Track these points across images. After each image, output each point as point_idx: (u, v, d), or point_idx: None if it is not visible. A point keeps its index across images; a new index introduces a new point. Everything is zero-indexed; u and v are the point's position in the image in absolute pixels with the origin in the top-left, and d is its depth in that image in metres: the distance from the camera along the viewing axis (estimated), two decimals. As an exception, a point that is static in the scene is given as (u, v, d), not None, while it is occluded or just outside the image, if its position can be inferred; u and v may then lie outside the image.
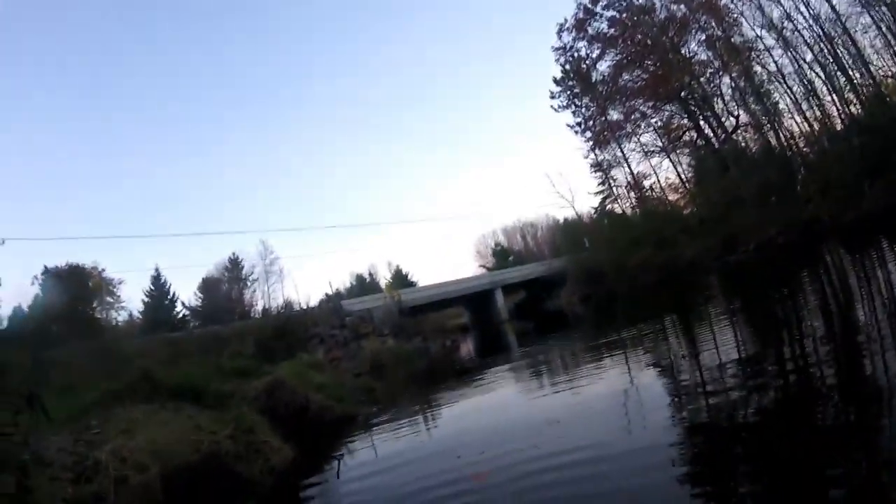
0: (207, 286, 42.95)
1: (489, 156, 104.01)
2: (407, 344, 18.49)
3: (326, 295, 41.38)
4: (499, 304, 38.76)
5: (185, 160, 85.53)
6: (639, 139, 35.94)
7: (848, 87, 27.13)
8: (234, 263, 44.57)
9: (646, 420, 5.37)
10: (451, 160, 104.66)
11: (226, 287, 43.45)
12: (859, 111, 26.50)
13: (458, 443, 6.20)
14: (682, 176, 34.87)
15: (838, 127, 27.40)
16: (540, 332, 24.60)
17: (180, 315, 40.44)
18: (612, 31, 36.09)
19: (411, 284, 51.98)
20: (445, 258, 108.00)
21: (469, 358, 21.14)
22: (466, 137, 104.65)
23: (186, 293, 61.25)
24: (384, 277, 60.70)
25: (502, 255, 60.33)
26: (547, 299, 40.49)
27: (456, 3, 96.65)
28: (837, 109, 27.64)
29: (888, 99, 25.50)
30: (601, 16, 36.27)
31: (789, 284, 13.78)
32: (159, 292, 41.00)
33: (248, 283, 43.32)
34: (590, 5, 36.03)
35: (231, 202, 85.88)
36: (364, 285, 58.28)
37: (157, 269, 41.01)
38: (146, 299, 40.81)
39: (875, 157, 21.44)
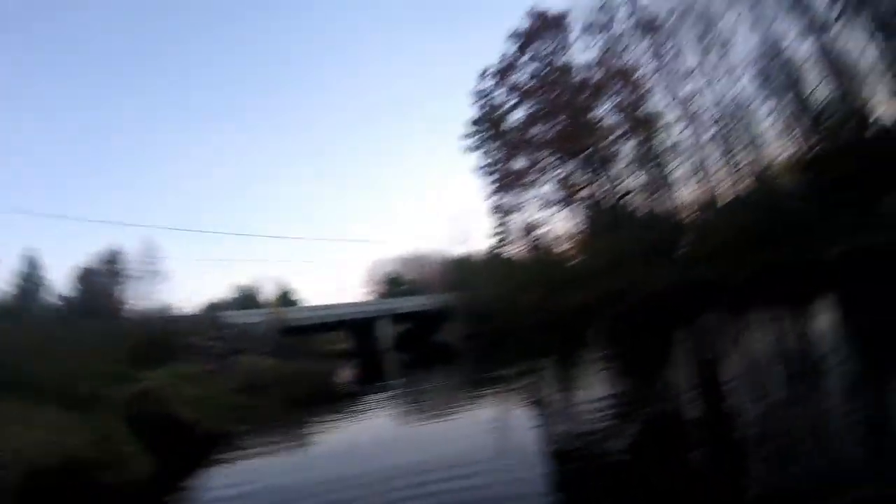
0: (83, 277, 39.94)
1: (394, 186, 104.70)
2: (286, 364, 18.30)
3: (209, 304, 39.73)
4: (384, 332, 39.07)
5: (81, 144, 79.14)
6: (539, 189, 38.24)
7: (741, 165, 30.55)
8: (113, 257, 41.81)
9: (516, 450, 5.90)
10: (357, 183, 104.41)
11: (103, 281, 40.52)
12: (748, 187, 29.92)
13: (326, 472, 6.44)
14: (576, 228, 37.43)
15: (728, 199, 30.64)
16: (423, 364, 25.23)
17: (52, 305, 37.23)
18: (531, 84, 38.49)
19: (295, 304, 51.11)
20: (337, 281, 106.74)
21: (349, 384, 21.30)
22: (373, 161, 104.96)
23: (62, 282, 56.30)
24: (270, 293, 59.14)
25: (394, 284, 60.75)
26: (433, 333, 41.37)
27: (382, 26, 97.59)
28: (729, 183, 30.99)
29: (774, 179, 29.16)
30: (523, 69, 38.70)
31: (665, 337, 15.35)
32: (30, 276, 37.84)
33: (127, 280, 40.67)
34: (514, 59, 38.38)
35: (118, 192, 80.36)
36: (247, 298, 56.48)
37: (29, 251, 38.36)
38: (18, 282, 37.36)
39: (757, 229, 24.34)
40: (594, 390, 8.99)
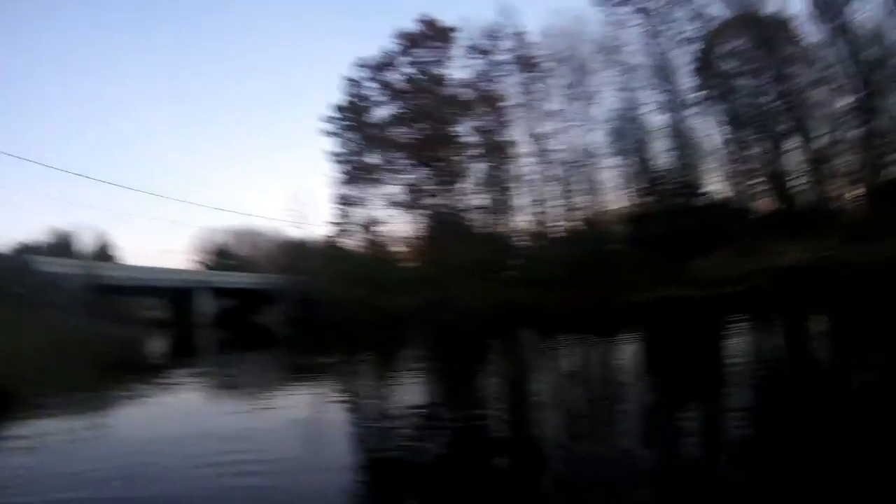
0: None
1: (245, 154, 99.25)
2: (96, 326, 17.72)
3: (19, 245, 35.87)
4: (205, 306, 37.98)
5: None
6: (387, 188, 39.56)
7: (577, 206, 33.73)
8: None
9: (320, 444, 6.23)
10: (210, 144, 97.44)
11: None
12: (580, 227, 32.87)
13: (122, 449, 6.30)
14: (415, 233, 39.31)
15: (560, 233, 33.62)
16: (243, 344, 25.08)
17: None
18: (403, 85, 39.78)
19: (112, 260, 47.66)
20: (163, 244, 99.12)
21: (161, 356, 20.90)
22: (231, 123, 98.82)
23: None
24: (88, 244, 54.29)
25: (223, 257, 58.38)
26: (257, 313, 40.89)
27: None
28: (563, 220, 34.21)
29: (604, 225, 32.39)
30: (400, 69, 39.86)
31: (482, 349, 16.72)
32: None
33: None
34: (394, 58, 39.38)
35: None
36: (62, 246, 51.32)
37: None
38: None
39: (580, 266, 26.85)
40: (406, 393, 9.71)
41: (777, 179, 28.23)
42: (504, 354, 16.29)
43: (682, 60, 30.72)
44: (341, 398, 9.99)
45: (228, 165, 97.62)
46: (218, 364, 17.84)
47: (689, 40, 30.42)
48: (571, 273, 26.81)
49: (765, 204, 28.59)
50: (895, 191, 23.15)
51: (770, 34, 27.96)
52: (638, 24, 31.75)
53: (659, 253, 25.75)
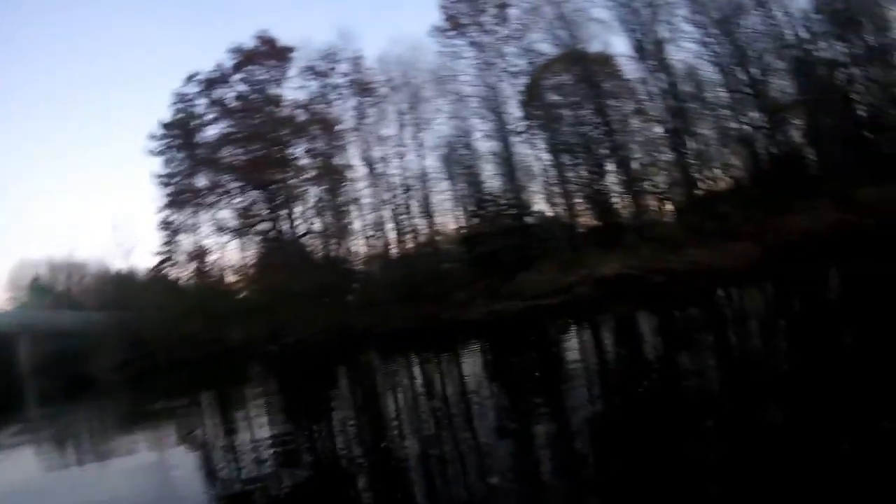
0: None
1: (67, 173, 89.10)
2: None
3: None
4: (21, 352, 33.74)
5: None
6: (216, 213, 37.65)
7: (413, 228, 34.76)
8: None
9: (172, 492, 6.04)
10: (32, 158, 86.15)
11: None
12: (416, 248, 34.17)
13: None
14: (248, 260, 37.78)
15: (397, 255, 34.25)
16: (71, 392, 22.90)
17: None
18: (236, 103, 38.28)
19: None
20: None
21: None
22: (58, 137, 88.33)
23: None
24: None
25: (40, 293, 52.35)
26: (84, 356, 36.91)
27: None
28: (399, 242, 34.92)
29: (438, 245, 34.04)
30: (233, 86, 38.35)
31: (328, 376, 16.42)
32: None
33: None
34: (227, 74, 37.81)
35: None
36: None
37: None
38: None
39: (417, 285, 28.09)
40: (254, 429, 9.57)
41: (598, 198, 31.25)
42: (348, 379, 16.38)
43: (512, 91, 33.22)
44: (189, 443, 9.63)
45: (47, 189, 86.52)
46: (45, 418, 16.00)
47: (519, 73, 33.04)
48: (409, 293, 27.61)
49: (586, 221, 31.61)
50: (701, 206, 26.71)
51: (593, 70, 31.13)
52: (471, 56, 33.87)
53: (490, 270, 27.32)
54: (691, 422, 5.93)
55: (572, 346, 14.73)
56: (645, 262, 23.07)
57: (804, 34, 28.30)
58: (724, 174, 29.53)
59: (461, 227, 34.16)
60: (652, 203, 30.71)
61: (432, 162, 35.15)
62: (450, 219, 34.91)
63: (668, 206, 30.19)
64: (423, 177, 34.96)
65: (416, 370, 15.64)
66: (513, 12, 33.24)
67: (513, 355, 14.54)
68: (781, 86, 28.30)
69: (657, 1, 29.72)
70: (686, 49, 29.62)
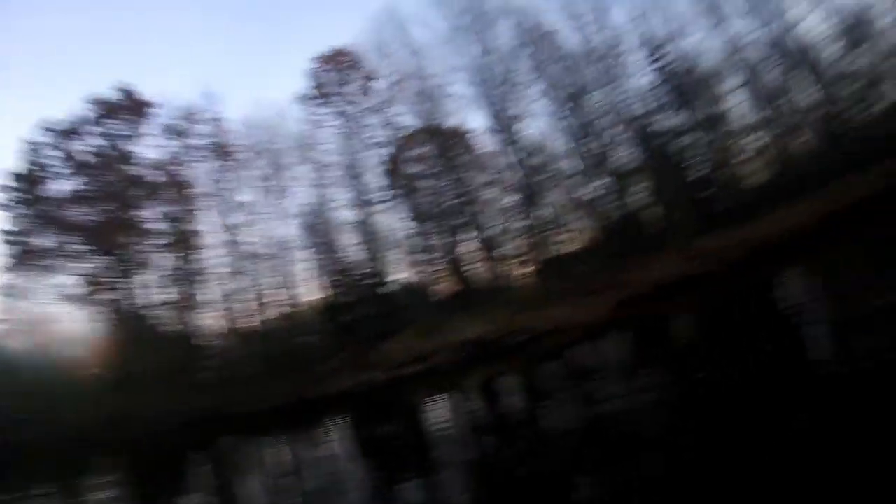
0: None
1: None
2: None
3: None
4: None
5: None
6: (59, 277, 35.14)
7: (270, 299, 34.06)
8: None
9: None
10: None
11: None
12: (273, 320, 33.51)
13: None
14: (93, 332, 35.48)
15: (253, 329, 33.22)
16: None
17: None
18: (89, 159, 36.32)
19: None
20: None
21: None
22: None
23: None
24: None
25: None
26: None
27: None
28: (256, 314, 34.12)
29: (297, 317, 33.49)
30: (86, 138, 36.32)
31: (182, 463, 15.73)
32: None
33: None
34: (83, 125, 35.84)
35: None
36: None
37: None
38: None
39: (271, 360, 27.38)
40: None
41: (456, 264, 32.16)
42: (208, 464, 15.59)
43: (374, 161, 34.29)
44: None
45: None
46: None
47: (381, 144, 34.25)
48: (267, 369, 26.90)
49: (447, 287, 32.26)
50: (557, 266, 28.26)
51: (450, 142, 32.79)
52: (335, 125, 34.90)
53: (353, 340, 27.37)
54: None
55: (435, 414, 14.40)
56: (505, 324, 23.64)
57: (647, 107, 30.95)
58: (578, 235, 31.30)
59: (322, 297, 34.04)
60: (510, 266, 31.77)
61: (292, 230, 35.28)
62: (310, 288, 34.76)
63: (527, 268, 31.38)
64: (283, 245, 34.84)
65: (275, 454, 15.18)
66: (377, 85, 34.75)
67: (378, 429, 14.46)
68: (627, 152, 30.58)
69: (512, 79, 31.94)
70: (539, 122, 31.76)
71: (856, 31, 34.54)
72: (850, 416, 5.09)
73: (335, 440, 14.86)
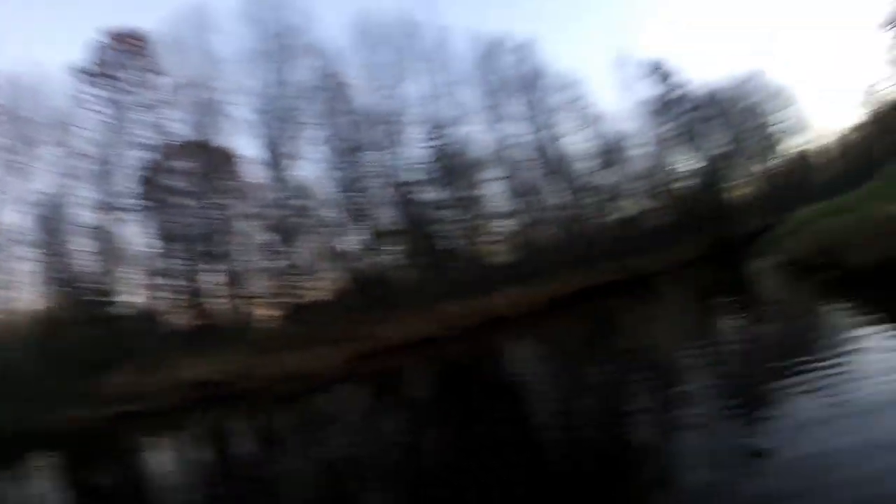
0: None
1: None
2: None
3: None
4: None
5: None
6: None
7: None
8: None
9: None
10: None
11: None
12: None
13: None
14: None
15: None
16: None
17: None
18: None
19: None
20: None
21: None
22: None
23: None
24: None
25: None
26: None
27: None
28: None
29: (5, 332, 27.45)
30: None
31: None
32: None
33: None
34: None
35: None
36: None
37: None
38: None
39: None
40: None
41: (197, 296, 29.65)
42: None
43: (131, 163, 30.16)
44: None
45: None
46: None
47: (144, 146, 30.39)
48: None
49: (183, 318, 29.34)
50: (302, 314, 28.32)
51: (218, 164, 31.08)
52: (101, 111, 30.35)
53: (70, 367, 23.88)
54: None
55: (156, 458, 13.41)
56: (238, 367, 22.50)
57: (415, 176, 33.98)
58: (328, 285, 31.90)
59: (40, 309, 28.51)
60: (254, 306, 30.42)
61: (22, 220, 28.97)
62: (29, 294, 29.07)
63: (272, 311, 30.12)
64: (7, 235, 29.05)
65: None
66: (160, 82, 31.29)
67: (90, 472, 13.11)
68: (389, 214, 33.01)
69: (295, 117, 32.07)
70: (310, 166, 33.65)
71: (609, 153, 40.95)
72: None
73: (38, 483, 12.83)
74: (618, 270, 30.04)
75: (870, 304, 7.98)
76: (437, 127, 34.53)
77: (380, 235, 31.88)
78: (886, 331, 6.38)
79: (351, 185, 31.70)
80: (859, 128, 49.98)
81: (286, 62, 32.54)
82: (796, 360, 6.74)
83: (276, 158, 31.44)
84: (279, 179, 31.28)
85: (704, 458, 4.39)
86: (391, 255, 32.41)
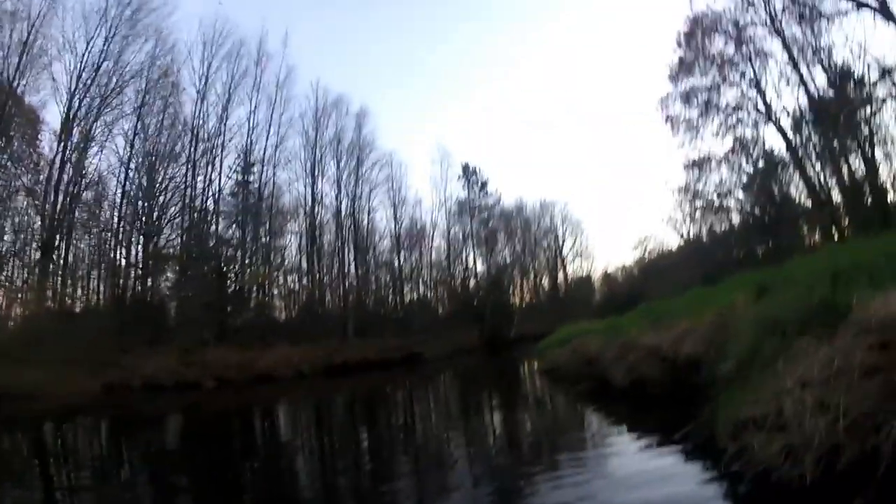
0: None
1: None
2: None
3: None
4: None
5: None
6: None
7: None
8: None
9: None
10: None
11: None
12: None
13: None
14: None
15: None
16: None
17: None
18: None
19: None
20: None
21: None
22: None
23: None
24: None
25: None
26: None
27: None
28: None
29: None
30: None
31: None
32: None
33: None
34: None
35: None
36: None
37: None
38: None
39: None
40: None
41: None
42: None
43: None
44: None
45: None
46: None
47: None
48: None
49: None
50: (57, 321, 24.37)
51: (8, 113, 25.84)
52: None
53: None
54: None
55: None
56: None
57: (214, 206, 31.68)
58: (91, 297, 28.72)
59: None
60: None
61: None
62: None
63: (21, 309, 26.21)
64: None
65: None
66: None
67: None
68: (176, 237, 30.24)
69: (108, 96, 28.21)
70: (109, 158, 28.62)
71: (411, 238, 42.66)
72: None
73: None
74: (399, 348, 30.34)
75: (620, 415, 8.56)
76: (251, 163, 32.99)
77: (162, 258, 29.21)
78: (633, 438, 6.89)
79: (146, 194, 28.77)
80: (628, 268, 58.23)
81: (121, 32, 28.71)
82: (544, 454, 7.16)
83: (72, 136, 27.41)
84: (69, 161, 27.20)
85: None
86: (170, 282, 29.97)
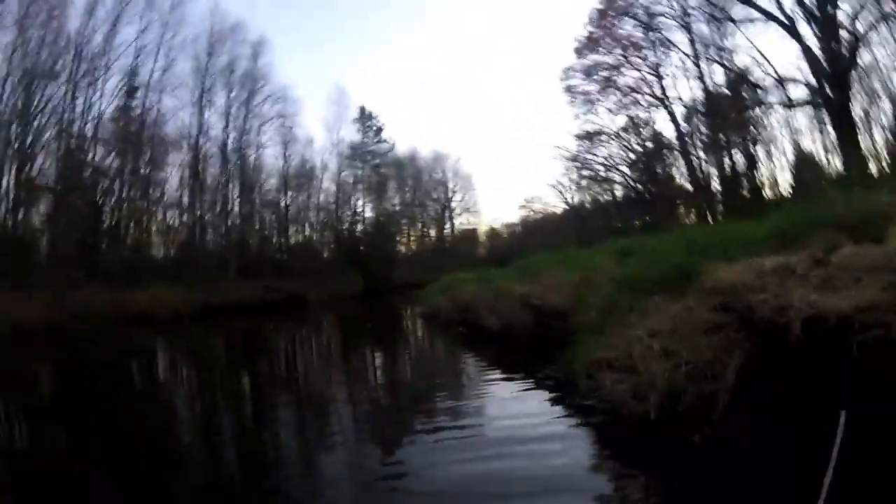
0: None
1: None
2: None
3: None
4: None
5: None
6: None
7: None
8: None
9: None
10: None
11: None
12: None
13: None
14: None
15: None
16: None
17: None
18: None
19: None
20: None
21: None
22: None
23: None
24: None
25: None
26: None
27: None
28: None
29: None
30: None
31: None
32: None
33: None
34: None
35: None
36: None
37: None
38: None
39: None
40: None
41: None
42: None
43: None
44: None
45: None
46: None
47: None
48: None
49: None
50: None
51: None
52: None
53: None
54: None
55: None
56: None
57: (90, 130, 28.90)
58: None
59: None
60: None
61: None
62: None
63: None
64: None
65: None
66: None
67: None
68: (47, 165, 27.48)
69: None
70: None
71: (298, 178, 41.11)
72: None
73: None
74: (281, 290, 29.68)
75: (493, 358, 9.08)
76: (134, 87, 30.22)
77: (28, 187, 26.44)
78: (502, 379, 7.33)
79: (15, 114, 25.90)
80: (512, 225, 61.00)
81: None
82: (425, 393, 7.42)
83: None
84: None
85: (331, 479, 4.18)
86: (37, 214, 27.59)
